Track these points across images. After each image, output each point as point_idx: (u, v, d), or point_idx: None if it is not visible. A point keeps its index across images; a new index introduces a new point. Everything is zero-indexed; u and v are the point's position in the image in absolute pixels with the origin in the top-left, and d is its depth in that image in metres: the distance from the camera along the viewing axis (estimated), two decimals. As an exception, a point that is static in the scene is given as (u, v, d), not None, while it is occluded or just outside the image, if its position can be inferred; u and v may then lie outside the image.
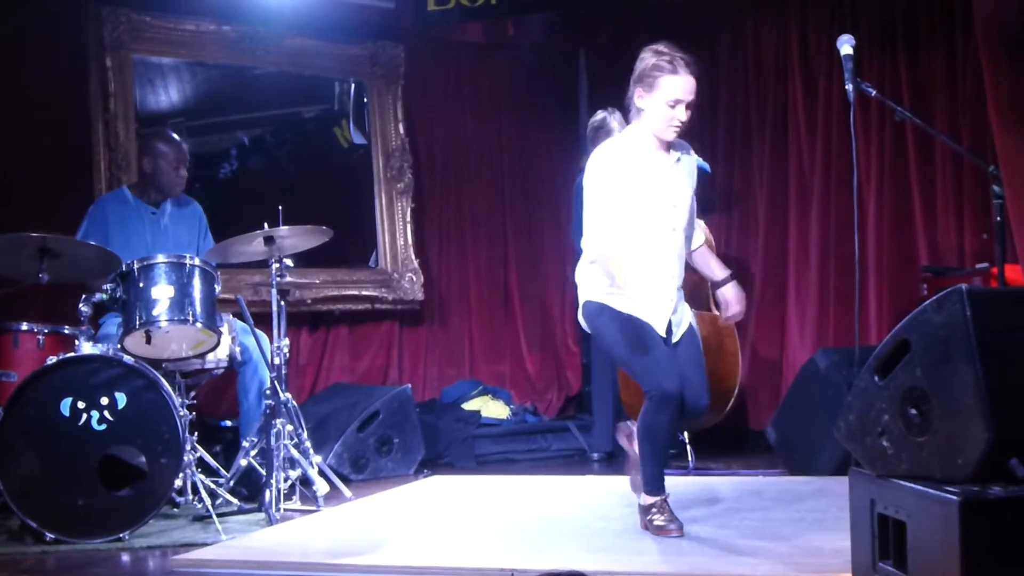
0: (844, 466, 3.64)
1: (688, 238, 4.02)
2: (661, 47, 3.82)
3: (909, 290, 5.90)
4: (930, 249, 6.02)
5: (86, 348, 4.29)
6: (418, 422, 5.90)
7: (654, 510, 3.84)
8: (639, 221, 3.82)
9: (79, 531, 4.02)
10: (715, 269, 4.24)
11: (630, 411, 6.04)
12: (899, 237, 6.14)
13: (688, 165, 4.00)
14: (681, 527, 3.79)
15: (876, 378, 2.80)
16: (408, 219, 7.03)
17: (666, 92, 3.77)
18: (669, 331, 3.88)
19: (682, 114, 3.80)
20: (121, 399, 4.14)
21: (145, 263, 4.41)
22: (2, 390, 4.32)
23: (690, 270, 5.87)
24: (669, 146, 3.91)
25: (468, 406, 6.60)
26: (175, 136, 5.37)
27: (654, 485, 3.87)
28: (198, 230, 5.34)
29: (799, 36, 6.58)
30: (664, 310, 3.86)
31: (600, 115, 5.46)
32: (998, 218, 4.36)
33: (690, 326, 3.97)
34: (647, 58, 3.83)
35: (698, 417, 4.01)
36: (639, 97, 3.83)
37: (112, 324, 4.77)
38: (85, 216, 5.15)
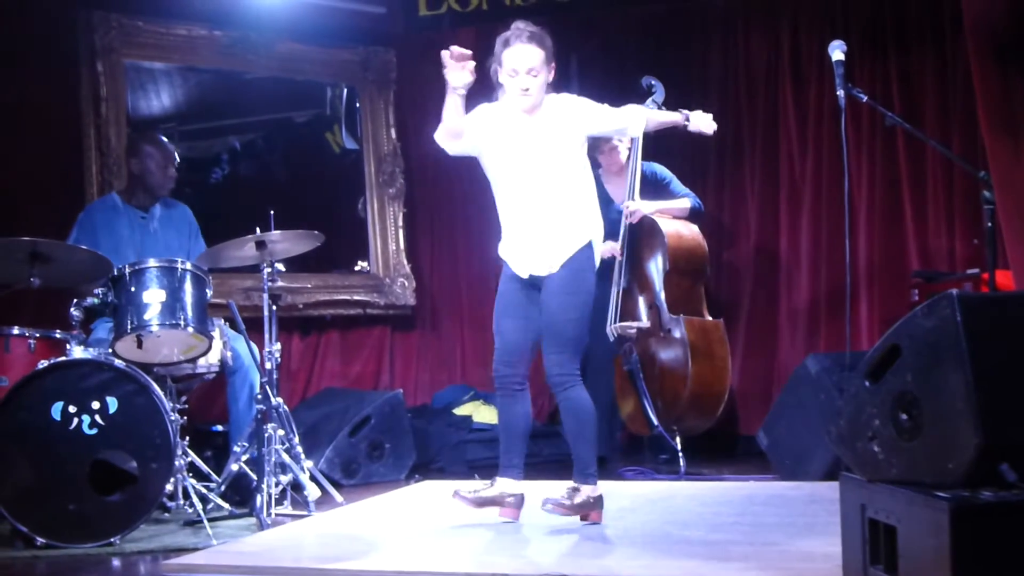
0: (835, 471, 3.66)
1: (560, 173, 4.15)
2: (514, 25, 4.07)
3: (900, 295, 5.91)
4: (921, 254, 6.04)
5: (77, 352, 4.26)
6: (410, 427, 5.90)
7: None
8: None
9: (70, 536, 3.99)
10: (667, 118, 4.46)
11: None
12: (890, 242, 6.16)
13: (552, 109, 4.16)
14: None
15: (867, 383, 2.81)
16: (400, 224, 7.04)
17: (507, 64, 4.05)
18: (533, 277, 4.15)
19: (524, 81, 4.03)
20: (112, 403, 4.11)
21: (136, 267, 4.40)
22: (-7, 395, 4.31)
23: (674, 279, 5.86)
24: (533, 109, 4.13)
25: (459, 411, 6.59)
26: (161, 136, 5.38)
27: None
28: (188, 232, 5.33)
29: (790, 42, 6.59)
30: (526, 254, 4.14)
31: None
32: (988, 223, 4.40)
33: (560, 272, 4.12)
34: (498, 39, 4.11)
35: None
36: (496, 75, 4.13)
37: (103, 328, 4.75)
38: (75, 224, 5.15)
